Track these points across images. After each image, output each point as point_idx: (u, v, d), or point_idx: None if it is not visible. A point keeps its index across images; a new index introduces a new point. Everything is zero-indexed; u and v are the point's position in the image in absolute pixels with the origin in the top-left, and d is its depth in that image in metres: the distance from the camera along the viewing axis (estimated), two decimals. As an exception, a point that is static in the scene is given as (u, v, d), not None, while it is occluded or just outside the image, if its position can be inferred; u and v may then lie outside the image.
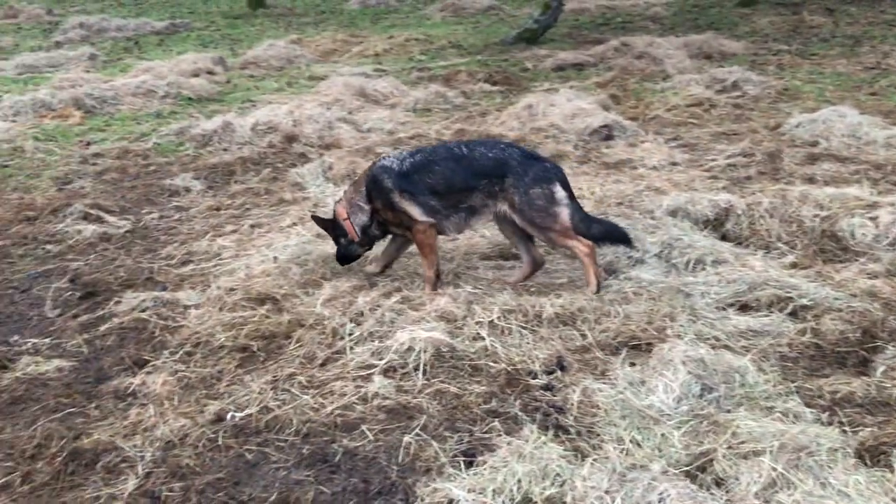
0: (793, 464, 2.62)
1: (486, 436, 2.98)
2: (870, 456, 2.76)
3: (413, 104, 8.48)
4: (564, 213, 4.07)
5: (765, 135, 6.91)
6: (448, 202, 4.13)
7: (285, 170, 6.55)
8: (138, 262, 4.83)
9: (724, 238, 4.73)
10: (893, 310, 3.75)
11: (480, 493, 2.60)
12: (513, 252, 4.51)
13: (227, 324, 3.85)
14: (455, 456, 2.87)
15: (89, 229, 5.38)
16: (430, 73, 10.10)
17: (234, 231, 5.26)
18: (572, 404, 3.13)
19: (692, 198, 5.05)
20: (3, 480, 2.86)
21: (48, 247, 5.18)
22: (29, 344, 3.90)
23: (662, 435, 2.88)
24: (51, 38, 14.75)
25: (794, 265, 4.32)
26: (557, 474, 2.66)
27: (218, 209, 5.74)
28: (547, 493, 2.59)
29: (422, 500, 2.65)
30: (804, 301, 3.83)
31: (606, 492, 2.56)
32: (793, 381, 3.24)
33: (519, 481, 2.63)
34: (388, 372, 3.40)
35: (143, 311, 4.10)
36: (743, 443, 2.76)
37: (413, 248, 4.35)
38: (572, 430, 2.99)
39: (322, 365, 3.52)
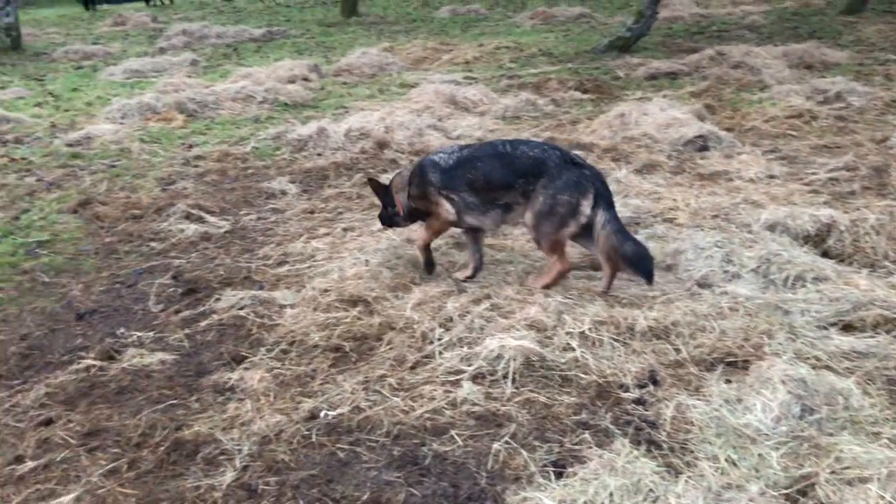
0: (902, 493, 2.50)
1: (577, 447, 2.95)
2: None
3: (502, 112, 8.50)
4: (570, 229, 4.10)
5: (870, 148, 6.63)
6: (485, 198, 4.25)
7: (377, 175, 6.66)
8: (237, 262, 4.99)
9: (825, 255, 4.55)
10: None
11: (571, 505, 2.59)
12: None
13: (321, 324, 3.94)
14: (545, 466, 2.86)
15: (191, 228, 5.60)
16: (519, 81, 10.11)
17: (327, 234, 5.38)
18: (665, 419, 3.08)
19: (792, 212, 4.89)
20: (111, 466, 3.00)
21: (152, 244, 5.41)
22: (134, 337, 4.07)
23: (760, 455, 2.80)
24: (155, 44, 15.47)
25: (902, 285, 4.13)
26: (650, 490, 2.62)
27: (312, 212, 5.89)
28: (639, 508, 2.56)
29: (511, 508, 2.65)
30: (914, 323, 3.65)
31: (701, 511, 2.50)
32: (901, 407, 3.10)
33: (611, 495, 2.59)
34: (476, 378, 3.41)
35: (241, 308, 4.24)
36: (847, 468, 2.65)
37: (501, 255, 4.37)
38: (665, 445, 2.93)
39: (412, 368, 3.56)
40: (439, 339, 3.71)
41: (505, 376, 3.39)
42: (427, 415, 3.20)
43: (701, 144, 6.87)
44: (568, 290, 4.14)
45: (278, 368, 3.62)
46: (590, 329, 3.65)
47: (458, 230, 4.68)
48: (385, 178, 4.96)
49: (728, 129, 7.34)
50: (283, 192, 6.36)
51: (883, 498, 2.47)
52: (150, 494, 2.84)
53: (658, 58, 11.04)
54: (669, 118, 7.36)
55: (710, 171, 6.27)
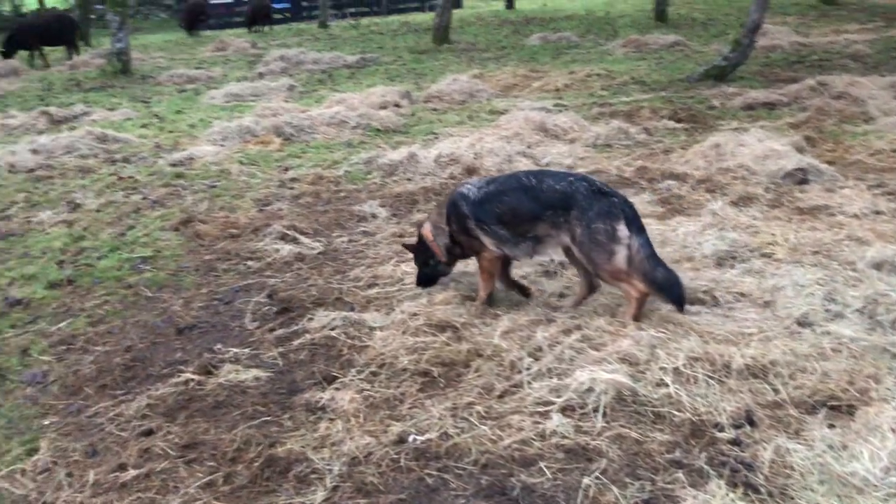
0: None
1: (669, 486, 2.88)
2: None
3: (593, 140, 8.44)
4: (621, 254, 4.05)
5: None
6: (515, 231, 4.28)
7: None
8: (329, 283, 5.10)
9: (938, 297, 4.32)
10: None
11: (663, 546, 2.51)
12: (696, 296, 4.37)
13: (410, 348, 3.98)
14: (636, 504, 2.79)
15: (286, 249, 5.75)
16: (611, 109, 10.02)
17: (416, 258, 5.43)
18: (763, 462, 2.96)
19: (901, 251, 4.67)
20: (207, 479, 3.09)
21: (249, 263, 5.59)
22: (230, 353, 4.21)
23: (867, 507, 2.66)
24: (254, 69, 16.05)
25: None
26: (749, 536, 2.52)
27: (401, 236, 5.96)
28: (736, 554, 2.46)
29: (601, 545, 2.60)
30: None
31: (803, 562, 2.39)
32: None
33: (706, 539, 2.51)
34: (566, 410, 3.37)
35: (333, 329, 4.32)
36: (964, 527, 2.50)
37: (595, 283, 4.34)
38: (763, 489, 2.82)
39: (500, 397, 3.55)
40: (528, 369, 3.69)
41: (595, 410, 3.34)
42: (515, 445, 3.18)
43: (800, 177, 6.64)
44: (661, 323, 4.05)
45: (368, 390, 3.67)
46: (684, 365, 3.56)
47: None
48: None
49: (829, 163, 7.08)
50: (374, 216, 6.47)
51: None
52: (243, 509, 2.92)
53: (755, 87, 10.77)
54: (767, 150, 7.15)
55: (810, 205, 6.05)
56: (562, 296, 4.65)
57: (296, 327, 4.46)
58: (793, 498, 2.77)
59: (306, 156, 8.59)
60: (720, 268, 4.88)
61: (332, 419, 3.45)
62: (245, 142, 9.16)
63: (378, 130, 9.61)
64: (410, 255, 5.42)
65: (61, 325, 4.74)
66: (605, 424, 3.26)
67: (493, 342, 3.95)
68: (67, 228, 6.47)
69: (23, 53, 18.36)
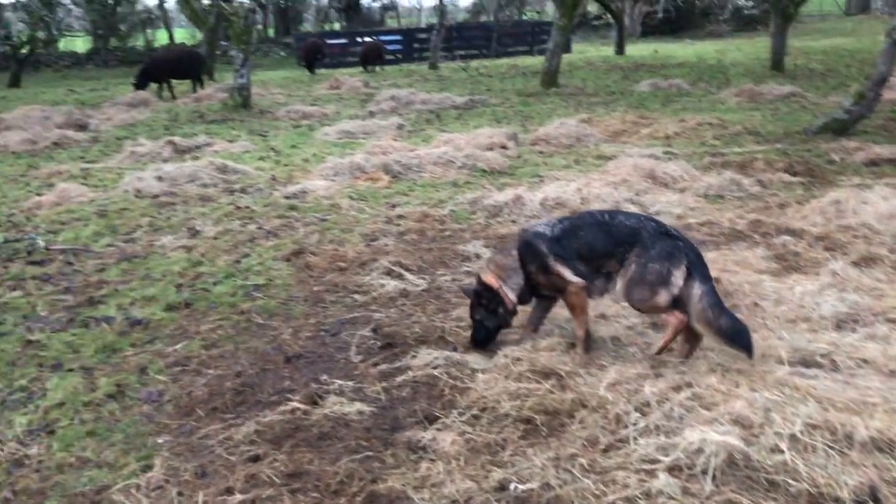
0: None
1: (784, 561, 2.72)
2: None
3: (704, 190, 8.25)
4: (664, 297, 4.11)
5: None
6: (591, 267, 4.32)
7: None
8: (432, 320, 5.14)
9: None
10: None
11: None
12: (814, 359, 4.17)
13: (513, 393, 3.95)
14: (748, 576, 2.65)
15: (391, 284, 5.85)
16: (723, 159, 9.79)
17: (520, 302, 5.41)
18: (889, 545, 2.77)
19: None
20: (310, 509, 3.14)
21: (355, 296, 5.71)
22: (336, 384, 4.28)
23: None
24: (366, 107, 16.55)
25: None
26: None
27: (505, 278, 5.96)
28: None
29: None
30: None
31: None
32: None
33: None
34: (673, 470, 3.25)
35: (435, 368, 4.34)
36: None
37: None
38: (889, 575, 2.64)
39: (604, 451, 3.46)
40: (635, 424, 3.59)
41: (705, 472, 3.20)
42: (619, 502, 3.09)
43: (930, 239, 6.28)
44: (776, 385, 3.88)
45: (469, 433, 3.66)
46: (801, 432, 3.38)
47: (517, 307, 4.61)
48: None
49: (962, 225, 6.66)
50: (477, 256, 6.49)
51: None
52: (343, 543, 2.94)
53: (880, 142, 10.30)
54: (893, 208, 6.81)
55: (941, 269, 5.70)
56: (671, 350, 4.52)
57: (399, 363, 4.50)
58: (923, 587, 2.57)
59: (413, 193, 8.74)
60: (840, 331, 4.64)
61: (433, 460, 3.45)
62: (355, 178, 9.43)
63: (484, 171, 9.70)
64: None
65: (177, 346, 4.95)
66: (714, 488, 3.13)
67: (599, 393, 3.87)
68: (187, 253, 6.79)
69: (152, 85, 19.55)
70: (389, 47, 30.74)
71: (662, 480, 3.18)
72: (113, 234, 7.47)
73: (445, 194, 8.60)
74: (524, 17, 40.18)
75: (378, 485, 3.27)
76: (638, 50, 31.07)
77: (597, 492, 3.16)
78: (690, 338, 4.31)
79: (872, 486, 3.10)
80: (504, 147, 11.00)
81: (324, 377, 4.40)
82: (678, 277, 4.10)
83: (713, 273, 5.55)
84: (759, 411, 3.54)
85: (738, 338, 4.04)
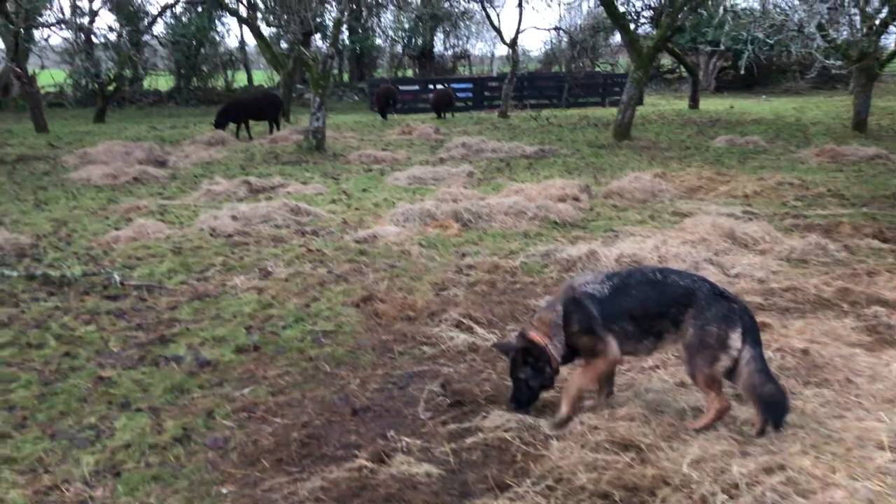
0: None
1: None
2: None
3: (787, 253, 7.91)
4: (723, 363, 3.99)
5: None
6: (641, 326, 4.18)
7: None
8: (503, 379, 4.96)
9: None
10: None
11: None
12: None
13: (590, 464, 3.75)
14: None
15: (460, 338, 5.71)
16: (806, 222, 9.42)
17: (595, 363, 5.21)
18: None
19: None
20: (376, 578, 2.99)
21: (424, 348, 5.59)
22: (403, 442, 4.15)
23: None
24: (436, 154, 16.62)
25: None
26: None
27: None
28: None
29: None
30: None
31: None
32: None
33: None
34: (767, 563, 3.01)
35: (507, 431, 4.17)
36: None
37: (793, 417, 3.93)
38: None
39: (689, 534, 3.23)
40: (722, 507, 3.35)
41: (802, 568, 2.95)
42: None
43: None
44: (877, 474, 3.59)
45: (544, 506, 3.47)
46: (909, 530, 3.10)
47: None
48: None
49: None
50: (550, 312, 6.32)
51: None
52: None
53: (974, 209, 9.79)
54: None
55: None
56: (753, 424, 4.25)
57: (469, 423, 4.35)
58: None
59: (483, 243, 8.64)
60: (945, 415, 4.31)
61: (505, 533, 3.27)
62: (425, 225, 9.38)
63: (555, 223, 9.54)
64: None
65: (245, 391, 4.90)
66: (814, 588, 2.87)
67: (682, 470, 3.64)
68: (258, 295, 6.81)
69: (231, 125, 20.08)
70: (460, 94, 31.05)
71: (755, 574, 2.93)
72: (187, 272, 7.56)
73: (516, 245, 8.47)
74: (597, 69, 40.18)
75: (447, 557, 3.10)
76: (712, 104, 30.65)
77: (683, 582, 2.93)
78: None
79: None
80: (576, 199, 10.84)
81: (391, 433, 4.27)
82: (736, 340, 4.00)
83: (800, 343, 5.31)
84: (861, 503, 3.26)
85: (774, 409, 3.96)
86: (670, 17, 18.73)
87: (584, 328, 4.23)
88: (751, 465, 3.63)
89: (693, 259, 7.41)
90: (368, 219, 9.93)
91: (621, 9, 27.26)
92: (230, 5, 26.44)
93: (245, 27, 26.72)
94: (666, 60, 40.55)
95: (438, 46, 43.65)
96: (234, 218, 9.57)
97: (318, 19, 25.63)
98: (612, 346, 4.20)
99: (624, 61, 41.05)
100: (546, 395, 4.68)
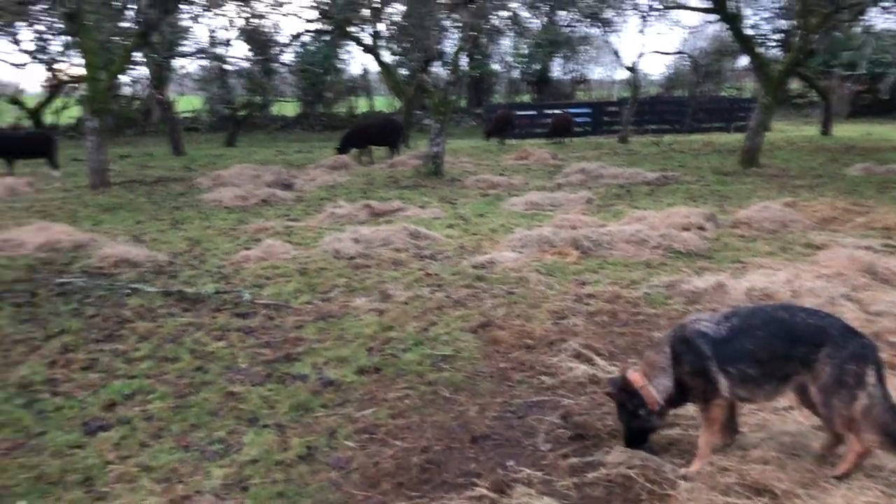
0: None
1: None
2: None
3: (935, 291, 7.35)
4: (862, 401, 3.75)
5: None
6: (766, 369, 3.94)
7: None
8: (625, 414, 4.83)
9: None
10: None
11: None
12: None
13: (720, 509, 3.57)
14: None
15: (580, 368, 5.60)
16: (956, 257, 8.74)
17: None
18: None
19: None
20: None
21: (543, 378, 5.51)
22: (523, 473, 4.09)
23: None
24: (554, 179, 16.53)
25: None
26: None
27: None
28: None
29: None
30: None
31: None
32: None
33: None
34: None
35: (631, 468, 4.04)
36: None
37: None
38: None
39: (832, 593, 3.01)
40: (871, 566, 3.11)
41: None
42: None
43: None
44: None
45: (671, 550, 3.32)
46: None
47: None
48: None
49: None
50: (674, 346, 6.11)
51: None
52: None
53: None
54: None
55: None
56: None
57: (590, 458, 4.24)
58: None
59: (603, 272, 8.48)
60: None
61: (631, 575, 3.15)
62: (543, 251, 9.31)
63: (680, 253, 9.25)
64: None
65: (366, 412, 4.98)
66: None
67: (824, 522, 3.42)
68: (378, 317, 6.92)
69: (353, 150, 20.70)
70: (578, 119, 30.83)
71: None
72: (311, 293, 7.79)
73: (638, 275, 8.26)
74: (722, 93, 38.97)
75: None
76: (846, 130, 29.10)
77: None
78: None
79: None
80: (701, 228, 10.48)
81: (510, 463, 4.22)
82: (872, 377, 3.78)
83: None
84: None
85: None
86: (802, 40, 17.97)
87: (695, 369, 4.04)
88: (902, 522, 3.36)
89: (829, 294, 6.99)
90: (485, 244, 9.95)
91: (749, 31, 26.37)
92: (355, 34, 27.35)
93: (369, 55, 27.56)
94: (795, 85, 38.87)
95: (556, 71, 43.57)
96: (355, 241, 9.81)
97: (439, 47, 26.13)
98: (722, 387, 3.98)
99: (750, 85, 39.66)
100: (672, 431, 4.53)
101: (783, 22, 30.87)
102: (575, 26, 38.16)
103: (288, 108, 39.21)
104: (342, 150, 20.30)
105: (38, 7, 24.33)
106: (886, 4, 19.52)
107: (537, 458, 4.31)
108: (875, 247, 9.20)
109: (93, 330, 6.69)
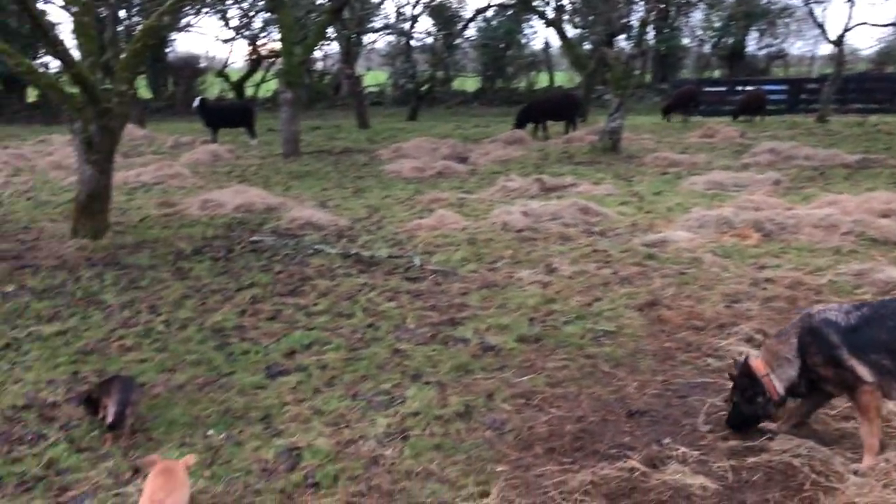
0: None
1: None
2: None
3: None
4: None
5: None
6: None
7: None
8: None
9: None
10: None
11: None
12: None
13: (893, 507, 3.34)
14: None
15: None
16: None
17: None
18: None
19: None
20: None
21: (709, 360, 5.34)
22: (679, 451, 4.01)
23: None
24: (740, 159, 15.68)
25: None
26: None
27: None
28: None
29: None
30: None
31: None
32: None
33: None
34: None
35: (796, 456, 3.85)
36: None
37: None
38: None
39: None
40: None
41: None
42: None
43: None
44: None
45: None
46: None
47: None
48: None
49: None
50: (859, 337, 5.69)
51: None
52: None
53: None
54: None
55: None
56: None
57: (752, 443, 4.08)
58: None
59: (785, 256, 8.00)
60: None
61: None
62: (721, 232, 8.92)
63: (875, 240, 8.53)
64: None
65: (523, 378, 5.07)
66: None
67: None
68: (542, 289, 6.97)
69: (529, 126, 20.72)
70: (773, 97, 28.91)
71: None
72: (478, 262, 7.97)
73: (824, 262, 7.72)
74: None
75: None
76: None
77: None
78: None
79: None
80: (902, 215, 9.59)
81: (667, 440, 4.16)
82: None
83: None
84: None
85: None
86: None
87: (825, 359, 3.87)
88: None
89: None
90: (659, 223, 9.68)
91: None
92: (538, 8, 27.21)
93: (551, 29, 27.34)
94: None
95: (751, 46, 41.05)
96: (525, 214, 9.88)
97: (624, 20, 25.42)
98: (866, 372, 3.76)
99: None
100: (847, 424, 4.26)
101: None
102: (774, -3, 35.78)
103: (468, 83, 39.81)
104: (519, 124, 20.37)
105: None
106: None
107: (695, 437, 4.21)
108: None
109: (278, 284, 7.25)
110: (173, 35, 34.66)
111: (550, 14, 27.24)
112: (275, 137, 19.50)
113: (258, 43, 33.95)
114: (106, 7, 21.02)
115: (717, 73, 41.20)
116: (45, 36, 8.56)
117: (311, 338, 5.86)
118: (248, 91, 34.22)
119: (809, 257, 7.92)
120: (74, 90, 8.82)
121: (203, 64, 37.39)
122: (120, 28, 26.17)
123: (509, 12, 35.74)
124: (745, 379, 4.13)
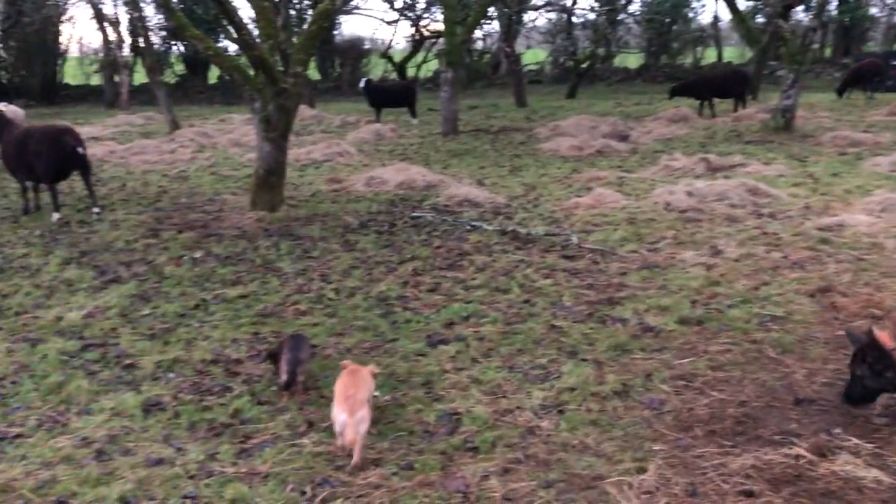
0: None
1: None
2: None
3: None
4: None
5: None
6: None
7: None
8: None
9: None
10: None
11: None
12: None
13: None
14: None
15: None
16: None
17: None
18: None
19: None
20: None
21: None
22: (851, 442, 3.83)
23: None
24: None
25: None
26: None
27: None
28: None
29: None
30: None
31: None
32: None
33: None
34: None
35: None
36: None
37: None
38: None
39: None
40: None
41: None
42: None
43: None
44: None
45: None
46: None
47: None
48: None
49: None
50: None
51: None
52: None
53: None
54: None
55: None
56: None
57: (935, 439, 3.83)
58: None
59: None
60: None
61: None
62: (907, 217, 8.27)
63: None
64: None
65: (684, 360, 4.98)
66: None
67: None
68: (706, 271, 6.77)
69: (694, 102, 19.92)
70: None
71: None
72: (638, 242, 7.84)
73: None
74: None
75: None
76: None
77: None
78: None
79: None
80: None
81: (837, 430, 3.98)
82: None
83: None
84: None
85: None
86: None
87: None
88: None
89: None
90: (836, 206, 9.09)
91: None
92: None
93: (721, 1, 26.05)
94: None
95: (949, 14, 37.14)
96: (689, 194, 9.58)
97: (803, -10, 23.78)
98: None
99: None
100: None
101: None
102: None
103: (630, 59, 38.68)
104: (674, 95, 19.81)
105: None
106: None
107: (869, 429, 4.00)
108: None
109: (438, 258, 7.49)
110: (341, 18, 36.01)
111: (720, -14, 25.89)
112: (434, 117, 19.92)
113: (421, 24, 34.65)
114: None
115: (908, 45, 37.61)
116: (231, 21, 9.18)
117: (468, 310, 6.02)
118: (410, 72, 35.02)
119: None
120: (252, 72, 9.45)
121: (367, 46, 38.63)
122: (292, 13, 27.53)
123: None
124: (875, 351, 3.91)
